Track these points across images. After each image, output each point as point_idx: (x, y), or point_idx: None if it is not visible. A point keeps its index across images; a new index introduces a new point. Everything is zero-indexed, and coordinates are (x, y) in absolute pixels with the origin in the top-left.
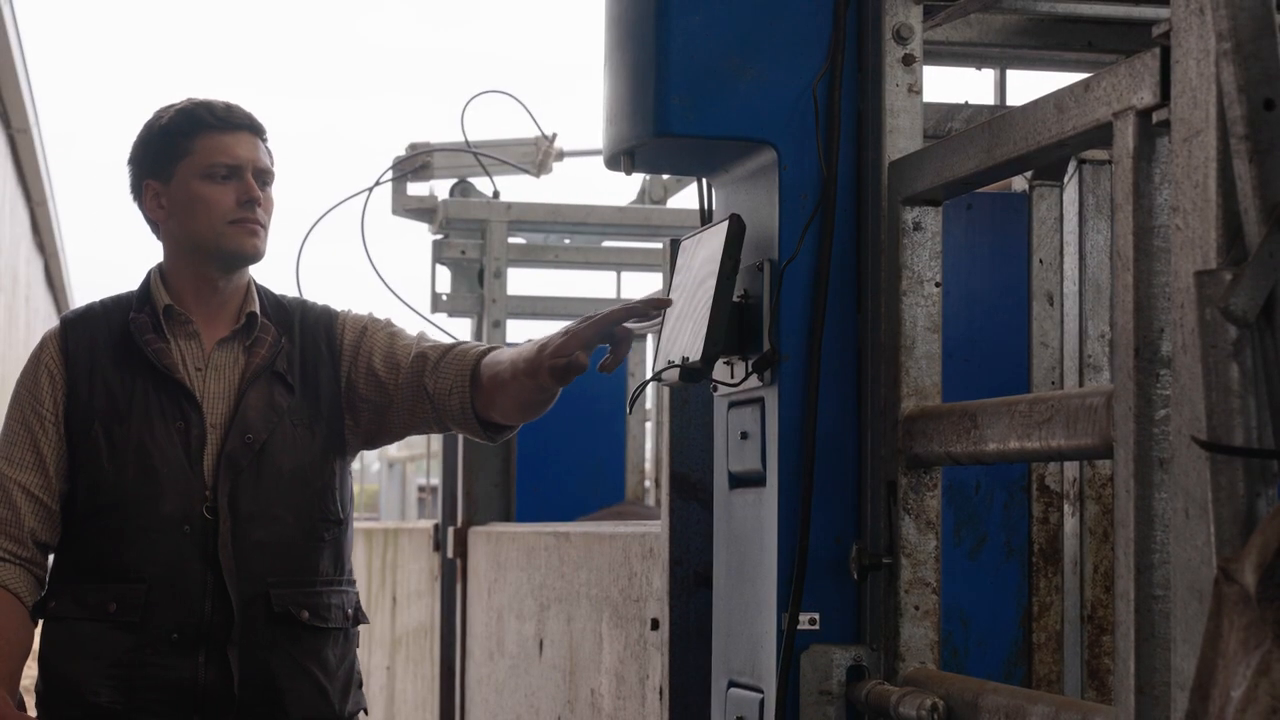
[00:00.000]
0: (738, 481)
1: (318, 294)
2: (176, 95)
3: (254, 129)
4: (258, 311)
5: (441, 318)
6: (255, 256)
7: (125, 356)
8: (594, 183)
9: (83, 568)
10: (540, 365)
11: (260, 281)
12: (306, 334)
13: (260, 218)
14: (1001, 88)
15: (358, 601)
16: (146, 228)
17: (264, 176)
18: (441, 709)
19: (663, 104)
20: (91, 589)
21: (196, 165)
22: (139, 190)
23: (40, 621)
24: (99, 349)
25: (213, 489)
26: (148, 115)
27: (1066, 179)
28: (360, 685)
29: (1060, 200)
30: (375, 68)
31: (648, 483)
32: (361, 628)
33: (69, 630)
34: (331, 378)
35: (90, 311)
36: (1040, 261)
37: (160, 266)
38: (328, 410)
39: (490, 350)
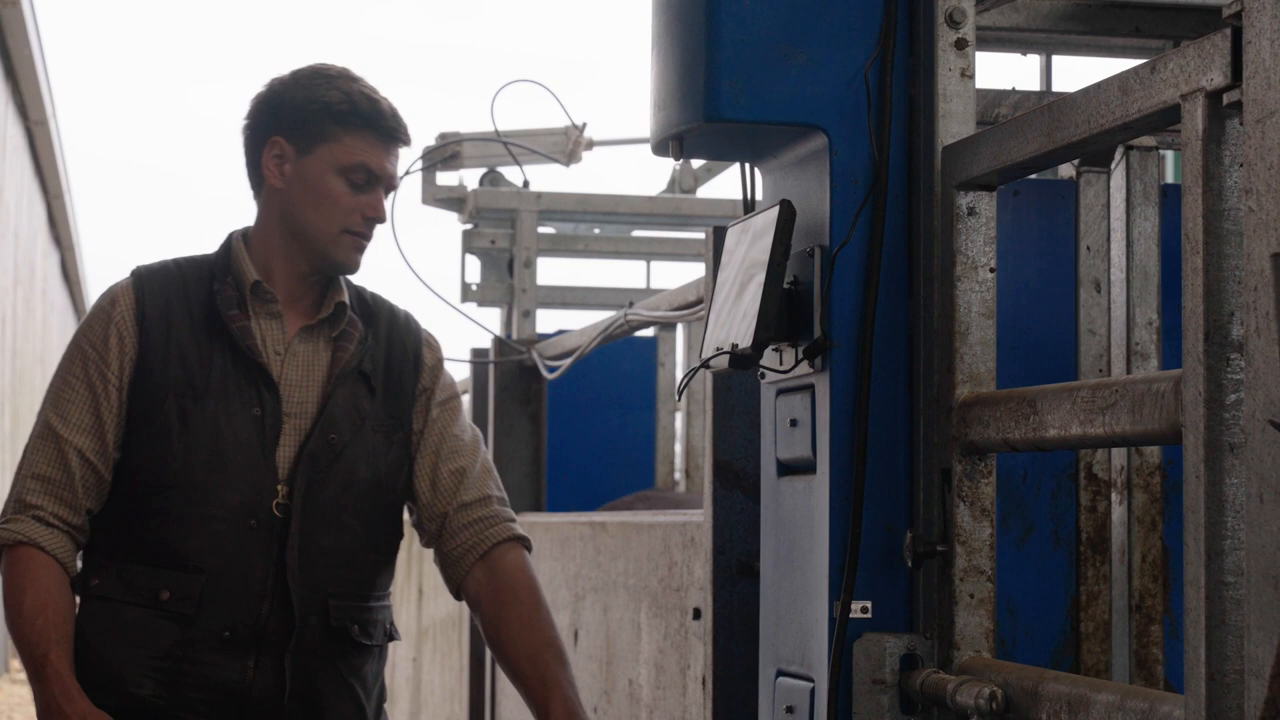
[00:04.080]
0: (786, 469)
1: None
2: (199, 83)
3: (406, 143)
4: (346, 303)
5: (471, 307)
6: (353, 271)
7: (205, 328)
8: (623, 172)
9: (132, 548)
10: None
11: None
12: (395, 338)
13: (372, 236)
14: (1047, 74)
15: (391, 617)
16: (248, 179)
17: (390, 193)
18: (471, 700)
19: (714, 89)
20: (141, 571)
21: (340, 157)
22: (261, 140)
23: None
24: (175, 315)
25: (287, 485)
26: (259, 85)
27: (1114, 165)
28: (384, 701)
29: (1108, 187)
30: (378, 63)
31: (677, 474)
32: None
33: (113, 612)
34: (411, 390)
35: (166, 271)
36: (1087, 249)
37: (246, 233)
38: (405, 420)
39: (518, 544)
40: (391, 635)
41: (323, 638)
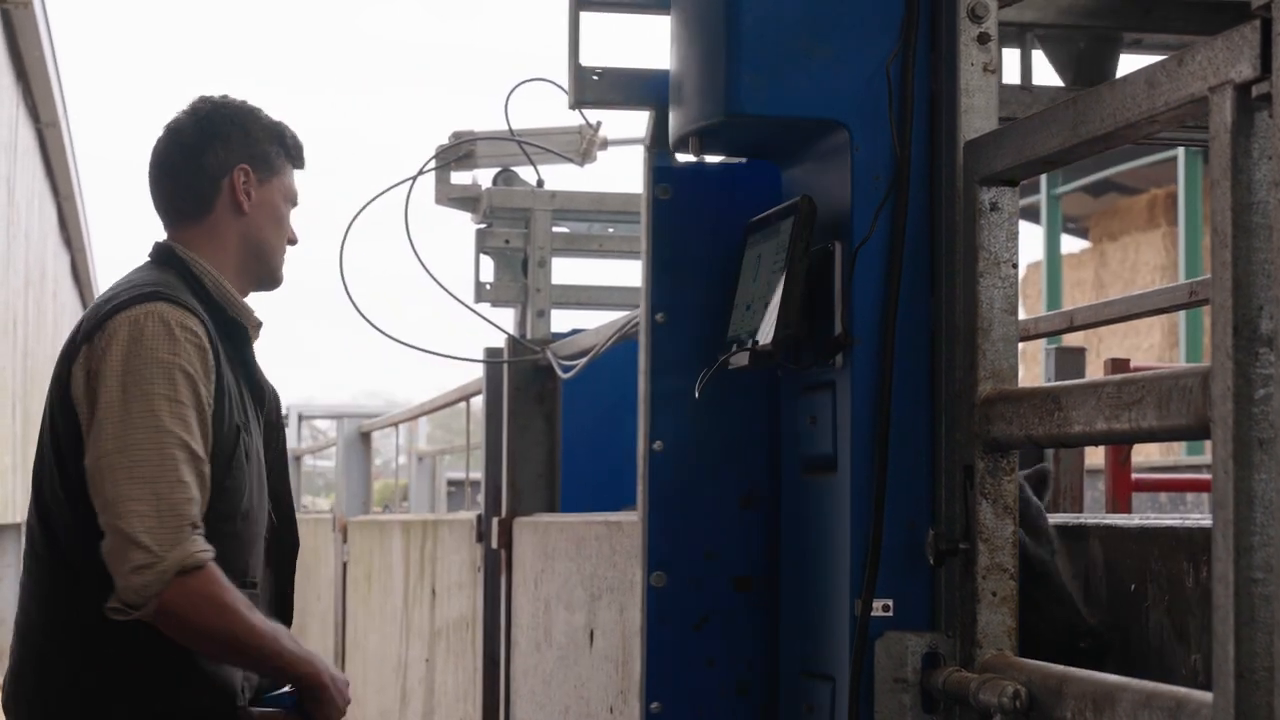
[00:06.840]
0: (806, 467)
1: (359, 287)
2: (199, 84)
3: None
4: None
5: (485, 307)
6: (281, 285)
7: (230, 357)
8: (638, 172)
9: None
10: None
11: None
12: None
13: None
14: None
15: None
16: (190, 201)
17: None
18: (485, 700)
19: (735, 84)
20: None
21: (286, 189)
22: (227, 166)
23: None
24: (220, 346)
25: (272, 499)
26: (238, 106)
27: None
28: None
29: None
30: (378, 63)
31: None
32: (399, 620)
33: None
34: None
35: (189, 302)
36: None
37: (189, 258)
38: None
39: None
40: None
41: None
